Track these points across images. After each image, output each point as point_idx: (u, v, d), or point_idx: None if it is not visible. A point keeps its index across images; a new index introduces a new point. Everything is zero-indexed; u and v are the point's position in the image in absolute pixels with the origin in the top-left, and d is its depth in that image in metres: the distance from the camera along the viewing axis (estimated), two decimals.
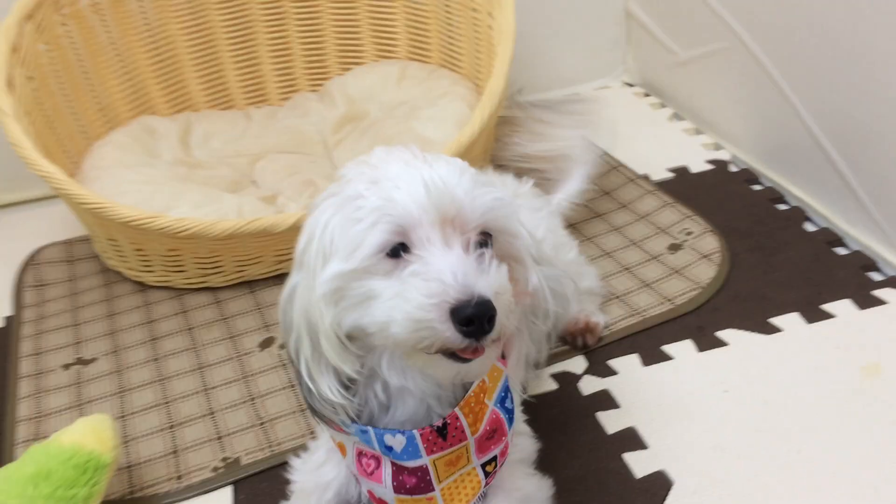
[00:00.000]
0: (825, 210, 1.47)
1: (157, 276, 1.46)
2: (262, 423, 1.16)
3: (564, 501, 0.98)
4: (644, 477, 1.01)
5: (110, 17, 1.69)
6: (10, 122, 1.36)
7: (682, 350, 1.21)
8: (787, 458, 1.02)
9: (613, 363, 1.20)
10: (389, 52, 1.89)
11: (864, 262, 1.35)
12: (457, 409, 0.81)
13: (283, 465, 1.06)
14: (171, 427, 1.17)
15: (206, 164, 1.67)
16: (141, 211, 1.30)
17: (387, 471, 0.84)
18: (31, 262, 1.57)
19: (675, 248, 1.43)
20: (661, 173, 1.67)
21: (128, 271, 1.49)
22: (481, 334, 0.68)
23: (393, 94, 1.80)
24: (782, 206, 1.53)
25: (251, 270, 1.44)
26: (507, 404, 0.86)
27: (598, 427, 1.09)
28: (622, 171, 1.67)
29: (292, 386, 1.22)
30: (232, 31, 1.84)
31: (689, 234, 1.46)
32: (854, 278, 1.32)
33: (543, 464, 0.96)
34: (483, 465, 0.85)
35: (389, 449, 0.81)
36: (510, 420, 0.86)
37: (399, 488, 0.84)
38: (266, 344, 1.31)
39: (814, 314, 1.25)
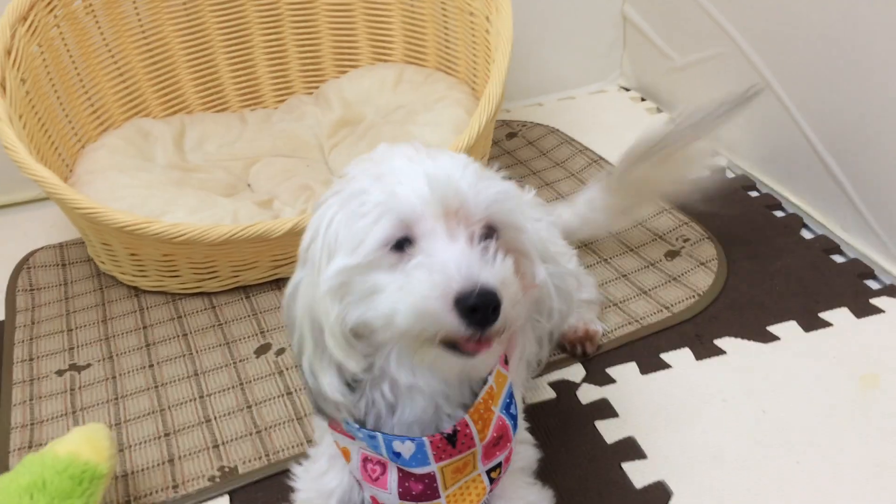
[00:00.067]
0: (822, 218, 1.47)
1: (152, 280, 1.45)
2: (258, 432, 1.15)
3: None
4: (644, 487, 1.01)
5: (104, 19, 1.67)
6: (4, 125, 1.34)
7: (680, 358, 1.21)
8: (787, 469, 1.02)
9: (612, 371, 1.20)
10: (385, 55, 1.89)
11: (861, 271, 1.36)
12: (467, 416, 0.80)
13: (281, 474, 1.07)
14: (167, 435, 1.16)
15: (200, 168, 1.66)
16: (135, 216, 1.29)
17: (392, 477, 0.83)
18: (24, 265, 1.55)
19: (672, 254, 1.43)
20: None
21: (122, 276, 1.48)
22: (486, 324, 0.67)
23: (389, 98, 1.79)
24: (779, 214, 1.53)
25: (247, 276, 1.44)
26: (512, 410, 0.85)
27: (597, 436, 1.09)
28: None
29: (289, 394, 1.21)
30: (227, 33, 1.83)
31: (686, 240, 1.46)
32: (851, 286, 1.32)
33: (543, 473, 0.95)
34: (488, 472, 0.85)
35: (398, 455, 0.81)
36: (514, 426, 0.86)
37: (405, 495, 0.83)
38: (262, 351, 1.30)
39: (812, 323, 1.25)
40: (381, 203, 0.71)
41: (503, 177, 0.77)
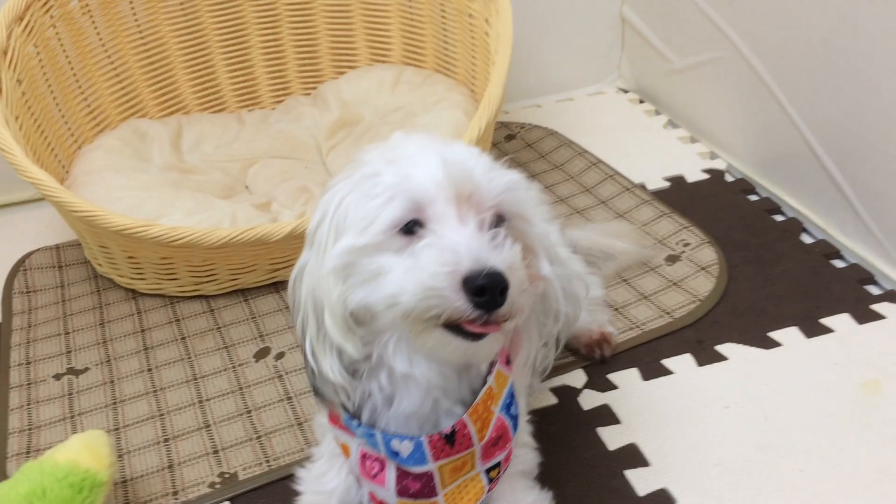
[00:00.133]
0: (822, 222, 1.47)
1: (150, 283, 1.44)
2: (258, 437, 1.14)
3: None
4: (647, 495, 1.00)
5: (100, 19, 1.66)
6: (0, 128, 1.33)
7: (681, 364, 1.21)
8: (789, 477, 1.01)
9: (613, 377, 1.19)
10: (384, 56, 1.88)
11: (861, 276, 1.35)
12: (465, 417, 0.80)
13: (282, 480, 1.06)
14: (167, 440, 1.15)
15: (198, 169, 1.65)
16: (134, 219, 1.28)
17: (391, 474, 0.83)
18: (20, 267, 1.54)
19: (672, 259, 1.43)
20: (656, 182, 1.67)
21: (119, 278, 1.47)
22: (493, 306, 0.68)
23: (387, 99, 1.78)
24: (779, 218, 1.53)
25: (245, 279, 1.43)
26: (512, 410, 0.85)
27: (599, 443, 1.09)
28: (618, 179, 1.67)
29: (289, 399, 1.21)
30: (224, 33, 1.82)
31: (686, 245, 1.45)
32: (852, 292, 1.32)
33: (545, 479, 0.95)
34: (487, 471, 0.85)
35: (396, 454, 0.81)
36: (514, 426, 0.86)
37: (402, 492, 0.83)
38: (261, 355, 1.30)
39: (813, 328, 1.25)
40: (393, 185, 0.72)
41: (514, 170, 0.77)
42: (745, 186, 1.63)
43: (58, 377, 1.28)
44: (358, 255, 0.72)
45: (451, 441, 0.80)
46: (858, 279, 1.35)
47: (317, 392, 0.82)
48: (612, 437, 1.09)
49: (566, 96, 2.07)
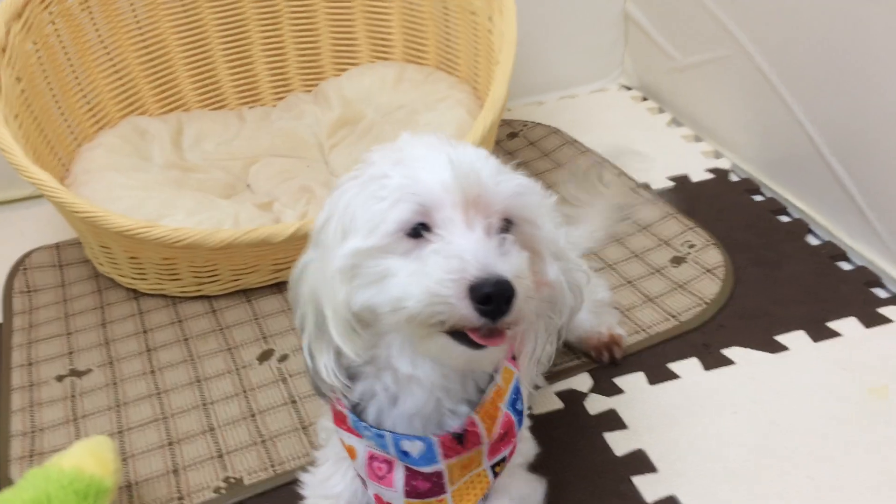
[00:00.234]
0: (828, 223, 1.46)
1: (151, 283, 1.43)
2: (263, 441, 1.14)
3: None
4: (655, 502, 1.00)
5: (99, 15, 1.65)
6: (0, 127, 1.32)
7: (688, 368, 1.20)
8: (797, 483, 1.01)
9: (619, 381, 1.19)
10: (385, 53, 1.87)
11: (868, 279, 1.35)
12: (475, 416, 0.80)
13: (287, 486, 1.05)
14: (171, 444, 1.14)
15: (198, 168, 1.64)
16: (136, 221, 1.27)
17: (399, 475, 0.83)
18: (21, 266, 1.53)
19: (678, 261, 1.42)
20: (661, 181, 1.66)
21: (120, 278, 1.46)
22: (498, 315, 0.67)
23: (390, 97, 1.77)
24: (784, 219, 1.52)
25: (247, 279, 1.42)
26: (518, 406, 0.85)
27: (606, 448, 1.08)
28: (622, 179, 1.66)
29: (293, 402, 1.20)
30: (225, 29, 1.81)
31: (691, 246, 1.45)
32: (859, 295, 1.31)
33: (552, 485, 0.95)
34: (492, 466, 0.85)
35: (406, 454, 0.81)
36: (520, 421, 0.86)
37: (411, 493, 0.83)
38: (265, 357, 1.29)
39: (820, 332, 1.24)
40: (401, 187, 0.71)
41: (522, 173, 0.77)
42: (750, 186, 1.62)
43: (60, 379, 1.27)
44: (364, 256, 0.72)
45: (461, 440, 0.80)
46: (865, 282, 1.34)
47: (316, 389, 0.82)
48: (619, 443, 1.09)
49: (568, 93, 2.06)
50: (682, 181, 1.66)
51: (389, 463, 0.83)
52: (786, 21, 1.48)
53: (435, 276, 0.67)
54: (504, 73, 1.43)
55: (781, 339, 1.24)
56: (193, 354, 1.30)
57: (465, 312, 0.67)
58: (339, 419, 0.85)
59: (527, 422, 0.93)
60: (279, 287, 1.44)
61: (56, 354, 1.32)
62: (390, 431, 0.81)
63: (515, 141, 1.85)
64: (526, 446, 0.93)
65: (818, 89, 1.44)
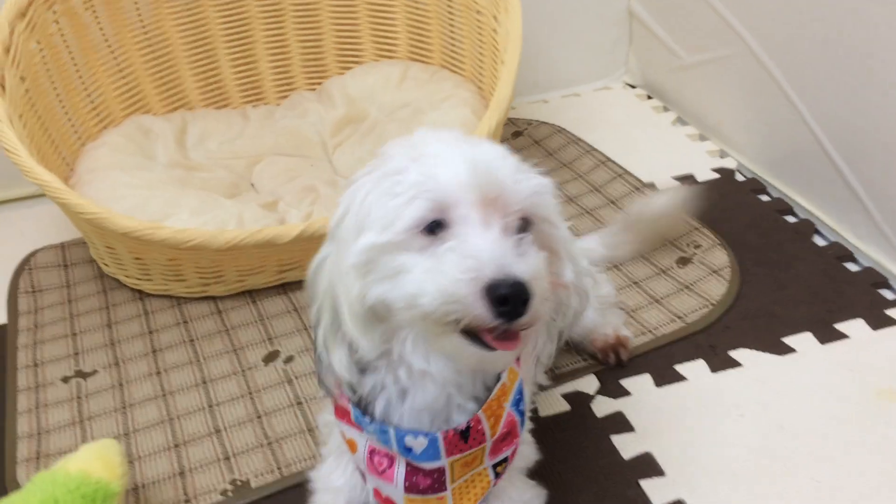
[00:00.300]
0: (835, 224, 1.46)
1: (156, 284, 1.43)
2: (269, 443, 1.14)
3: None
4: None
5: (103, 14, 1.64)
6: (4, 127, 1.32)
7: (694, 370, 1.20)
8: (805, 487, 1.01)
9: (626, 383, 1.19)
10: (389, 51, 1.86)
11: (875, 280, 1.34)
12: (480, 413, 0.80)
13: (294, 487, 1.06)
14: (177, 446, 1.14)
15: (202, 167, 1.64)
16: (141, 222, 1.27)
17: (400, 470, 0.83)
18: (25, 266, 1.53)
19: (684, 261, 1.42)
20: (666, 181, 1.65)
21: (126, 279, 1.45)
22: (515, 317, 0.66)
23: (394, 96, 1.77)
24: (791, 219, 1.52)
25: (253, 280, 1.42)
26: (521, 406, 0.85)
27: (613, 451, 1.08)
28: (627, 178, 1.66)
29: (299, 404, 1.20)
30: (228, 28, 1.80)
31: (697, 247, 1.44)
32: (866, 296, 1.31)
33: (559, 489, 0.95)
34: (494, 466, 0.85)
35: (409, 450, 0.80)
36: (523, 422, 0.86)
37: (412, 488, 0.83)
38: (270, 358, 1.29)
39: (827, 334, 1.24)
40: (417, 184, 0.70)
41: (540, 172, 0.76)
42: (756, 186, 1.62)
43: (66, 380, 1.27)
44: (379, 252, 0.71)
45: (465, 437, 0.80)
46: (872, 283, 1.34)
47: (321, 382, 0.82)
48: (626, 446, 1.09)
49: (573, 91, 2.06)
50: (687, 181, 1.66)
51: (391, 458, 0.83)
52: (791, 19, 1.48)
53: (450, 275, 0.67)
54: (510, 73, 1.43)
55: (788, 340, 1.23)
56: (199, 355, 1.30)
57: (481, 313, 0.66)
58: (341, 413, 0.85)
59: (528, 425, 0.92)
60: (284, 288, 1.44)
61: (62, 355, 1.32)
62: (395, 426, 0.80)
63: (520, 140, 1.85)
64: (527, 450, 0.93)
65: (824, 88, 1.44)
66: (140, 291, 1.45)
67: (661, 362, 1.22)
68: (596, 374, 1.21)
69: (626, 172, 1.68)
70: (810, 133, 1.48)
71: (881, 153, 1.34)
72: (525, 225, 0.72)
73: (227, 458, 1.12)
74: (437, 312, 0.68)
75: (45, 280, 1.49)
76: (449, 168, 0.71)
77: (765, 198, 1.59)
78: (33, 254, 1.56)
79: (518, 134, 1.87)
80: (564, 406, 1.16)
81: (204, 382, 1.25)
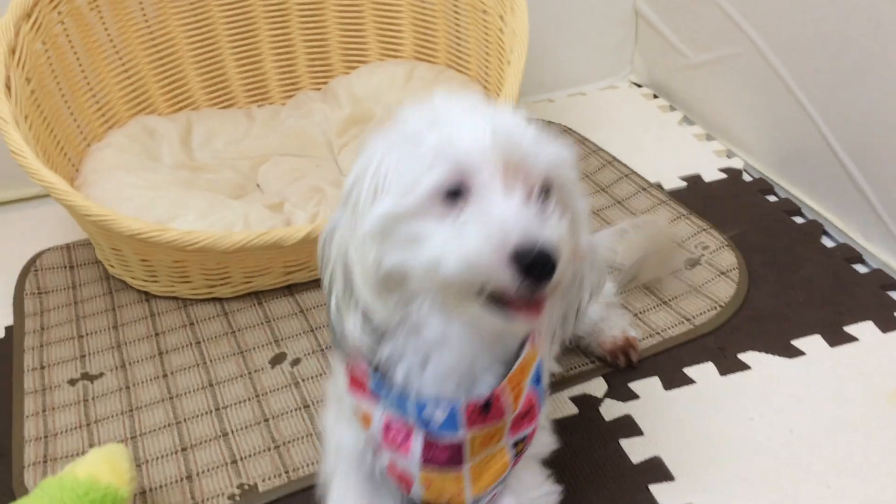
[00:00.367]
0: (843, 225, 1.45)
1: (163, 285, 1.42)
2: (277, 447, 1.13)
3: None
4: None
5: (108, 15, 1.64)
6: (10, 129, 1.31)
7: (703, 373, 1.19)
8: (815, 492, 1.00)
9: (634, 386, 1.18)
10: (395, 51, 1.85)
11: (884, 282, 1.34)
12: (502, 386, 0.79)
13: (302, 492, 1.05)
14: (184, 449, 1.14)
15: (208, 167, 1.63)
16: (147, 224, 1.26)
17: (417, 443, 0.81)
18: (31, 267, 1.53)
19: (692, 263, 1.41)
20: (673, 181, 1.65)
21: (132, 280, 1.45)
22: (540, 282, 0.65)
23: (400, 96, 1.76)
24: (799, 220, 1.51)
25: (259, 282, 1.41)
26: (541, 384, 0.84)
27: (622, 455, 1.07)
28: (634, 179, 1.65)
29: (306, 407, 1.20)
30: (233, 27, 1.80)
31: (705, 248, 1.44)
32: (876, 298, 1.30)
33: (568, 493, 0.94)
34: (514, 445, 0.83)
35: (427, 423, 0.79)
36: (542, 400, 0.85)
37: (428, 462, 0.81)
38: (277, 361, 1.28)
39: (836, 336, 1.23)
40: (437, 148, 0.69)
41: (561, 140, 0.75)
42: (764, 186, 1.61)
43: (72, 382, 1.27)
44: (397, 219, 0.70)
45: (486, 410, 0.79)
46: (881, 285, 1.33)
47: (337, 346, 0.80)
48: (635, 450, 1.08)
49: (578, 90, 2.05)
50: (694, 181, 1.65)
51: (407, 431, 0.81)
52: (798, 18, 1.47)
53: (475, 243, 0.65)
54: (516, 74, 1.42)
55: (797, 343, 1.23)
56: (206, 357, 1.30)
57: (506, 280, 0.65)
58: (356, 384, 0.83)
59: (546, 409, 0.91)
60: (291, 289, 1.43)
61: (68, 358, 1.32)
62: (417, 394, 0.79)
63: None
64: (544, 436, 0.91)
65: (832, 87, 1.43)
66: (146, 293, 1.45)
67: (669, 365, 1.21)
68: (604, 376, 1.20)
69: (633, 172, 1.67)
70: (818, 133, 1.47)
71: (890, 153, 1.33)
72: (546, 191, 0.71)
73: (235, 462, 1.12)
74: (459, 280, 0.66)
75: (50, 282, 1.49)
76: (471, 133, 0.69)
77: (773, 198, 1.58)
78: (39, 255, 1.55)
79: None
80: (573, 409, 1.15)
81: (211, 385, 1.25)
